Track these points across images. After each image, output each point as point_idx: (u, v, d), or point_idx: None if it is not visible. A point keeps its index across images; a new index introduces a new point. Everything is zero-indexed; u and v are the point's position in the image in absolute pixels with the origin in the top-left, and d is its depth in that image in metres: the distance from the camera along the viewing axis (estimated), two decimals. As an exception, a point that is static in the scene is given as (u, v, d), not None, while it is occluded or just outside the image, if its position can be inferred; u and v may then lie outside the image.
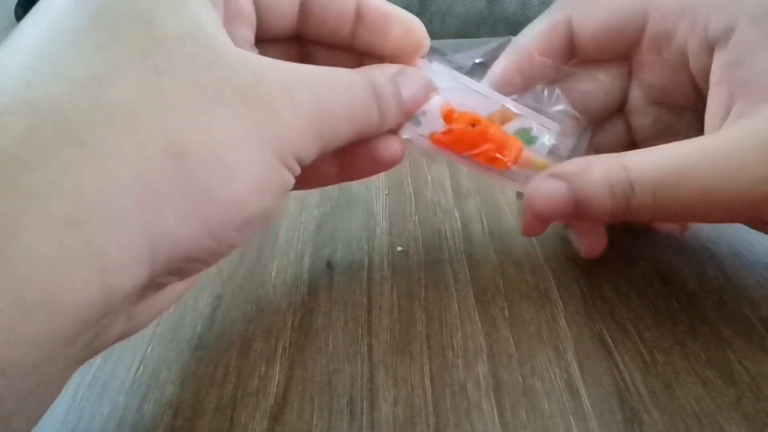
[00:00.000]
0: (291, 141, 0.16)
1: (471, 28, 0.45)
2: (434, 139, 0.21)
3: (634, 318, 0.22)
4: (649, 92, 0.24)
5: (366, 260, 0.26)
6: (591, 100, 0.25)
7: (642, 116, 0.25)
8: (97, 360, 0.21)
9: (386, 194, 0.30)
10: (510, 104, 0.22)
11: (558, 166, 0.21)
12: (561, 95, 0.23)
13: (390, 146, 0.21)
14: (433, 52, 0.22)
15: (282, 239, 0.27)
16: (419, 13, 0.32)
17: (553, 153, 0.22)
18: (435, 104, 0.21)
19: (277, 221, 0.28)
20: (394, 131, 0.21)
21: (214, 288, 0.24)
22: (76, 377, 0.20)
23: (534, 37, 0.24)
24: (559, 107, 0.23)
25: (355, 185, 0.31)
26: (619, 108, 0.26)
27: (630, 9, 0.23)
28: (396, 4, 0.21)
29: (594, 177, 0.19)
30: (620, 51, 0.24)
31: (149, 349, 0.21)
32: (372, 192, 0.31)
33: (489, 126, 0.21)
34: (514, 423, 0.19)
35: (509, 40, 0.24)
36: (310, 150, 0.17)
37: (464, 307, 0.23)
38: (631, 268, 0.25)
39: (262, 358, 0.21)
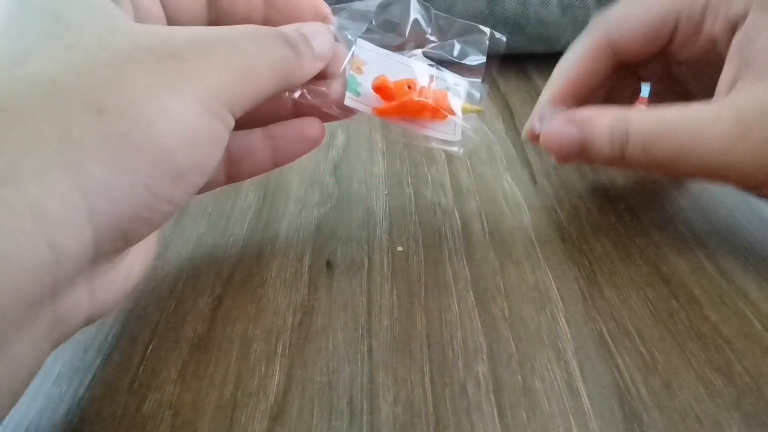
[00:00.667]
0: (217, 89, 0.16)
1: (471, 28, 0.45)
2: (378, 111, 0.23)
3: (634, 318, 0.22)
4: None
5: (366, 260, 0.26)
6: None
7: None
8: (97, 360, 0.21)
9: (386, 194, 0.30)
10: (430, 71, 0.25)
11: (574, 111, 0.23)
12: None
13: (313, 126, 0.23)
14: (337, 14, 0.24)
15: (282, 239, 0.27)
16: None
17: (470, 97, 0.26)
18: (368, 78, 0.23)
19: (277, 221, 0.28)
20: (330, 114, 0.23)
21: (214, 288, 0.24)
22: (76, 377, 0.20)
23: (578, 58, 0.27)
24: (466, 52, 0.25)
25: (355, 185, 0.31)
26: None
27: (662, 12, 0.25)
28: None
29: (600, 125, 0.22)
30: (658, 50, 0.26)
31: (149, 349, 0.21)
32: (372, 192, 0.31)
33: (423, 89, 0.24)
34: (514, 423, 0.19)
35: None
36: (240, 98, 0.17)
37: (464, 307, 0.23)
38: (632, 268, 0.25)
39: (262, 358, 0.21)
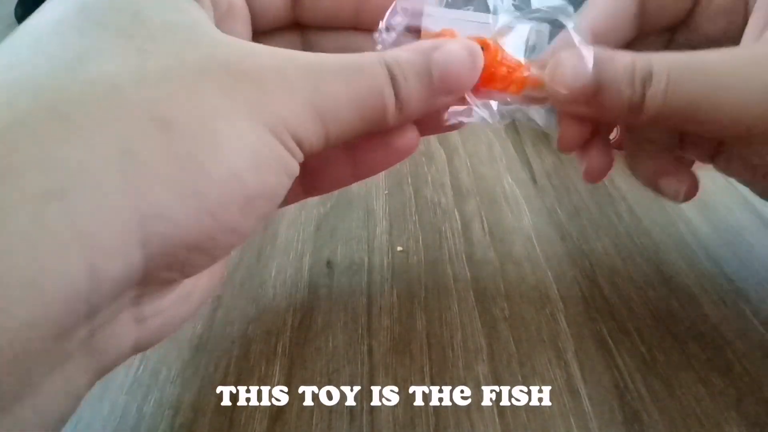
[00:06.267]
0: (285, 118, 0.15)
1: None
2: (483, 83, 0.19)
3: (634, 318, 0.22)
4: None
5: (366, 260, 0.26)
6: None
7: None
8: (97, 360, 0.21)
9: (386, 194, 0.30)
10: (503, 20, 0.20)
11: (589, 47, 0.20)
12: None
13: (403, 134, 0.19)
14: None
15: (282, 239, 0.27)
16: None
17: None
18: None
19: (277, 221, 0.28)
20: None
21: (214, 288, 0.24)
22: (76, 377, 0.20)
23: (605, 4, 0.23)
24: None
25: (355, 185, 0.31)
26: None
27: None
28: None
29: (621, 62, 0.19)
30: (686, 9, 0.24)
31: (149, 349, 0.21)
32: (372, 192, 0.31)
33: (496, 49, 0.19)
34: (514, 423, 0.19)
35: None
36: (311, 133, 0.15)
37: (464, 307, 0.23)
38: (631, 268, 0.25)
39: (262, 358, 0.21)
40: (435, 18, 0.20)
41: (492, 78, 0.19)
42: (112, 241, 0.11)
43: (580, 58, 0.19)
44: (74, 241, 0.11)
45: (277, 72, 0.15)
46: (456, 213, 0.29)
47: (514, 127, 0.37)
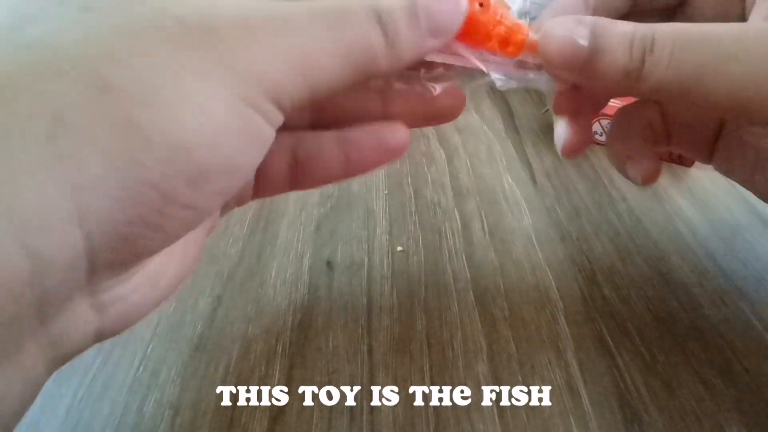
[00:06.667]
0: (258, 77, 0.13)
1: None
2: (460, 36, 0.18)
3: (634, 318, 0.22)
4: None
5: (366, 260, 0.26)
6: None
7: None
8: (97, 360, 0.21)
9: (386, 194, 0.30)
10: None
11: (584, 16, 0.19)
12: None
13: (396, 132, 0.19)
14: None
15: (282, 239, 0.27)
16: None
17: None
18: None
19: (277, 221, 0.28)
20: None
21: (214, 288, 0.24)
22: (76, 377, 0.20)
23: None
24: None
25: (355, 185, 0.31)
26: None
27: None
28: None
29: (619, 28, 0.18)
30: None
31: (149, 349, 0.21)
32: (372, 192, 0.31)
33: (497, 8, 0.18)
34: (514, 423, 0.19)
35: None
36: (291, 90, 0.14)
37: (464, 307, 0.23)
38: (631, 268, 0.25)
39: (262, 358, 0.21)
40: None
41: (488, 36, 0.18)
42: (45, 216, 0.11)
43: (575, 21, 0.18)
44: (3, 217, 0.10)
45: (244, 24, 0.13)
46: (456, 213, 0.29)
47: (514, 127, 0.37)
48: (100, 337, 0.14)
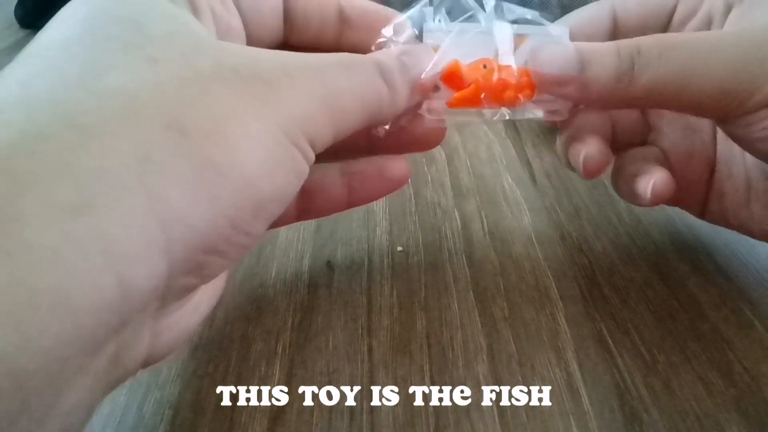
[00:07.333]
0: (299, 118, 0.15)
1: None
2: (450, 104, 0.20)
3: (634, 318, 0.22)
4: None
5: (366, 260, 0.26)
6: None
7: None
8: (97, 360, 0.21)
9: (386, 194, 0.30)
10: (513, 29, 0.21)
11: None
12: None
13: (396, 165, 0.21)
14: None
15: (282, 239, 0.27)
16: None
17: None
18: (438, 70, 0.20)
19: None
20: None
21: (214, 288, 0.24)
22: (76, 377, 0.20)
23: (579, 21, 0.24)
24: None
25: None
26: None
27: None
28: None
29: (605, 45, 0.20)
30: (656, 29, 0.24)
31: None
32: (372, 192, 0.31)
33: (503, 68, 0.20)
34: (514, 423, 0.19)
35: None
36: (322, 132, 0.16)
37: (464, 307, 0.23)
38: (631, 268, 0.25)
39: (262, 358, 0.21)
40: (434, 33, 0.21)
41: (477, 102, 0.20)
42: (138, 249, 0.11)
43: (561, 43, 0.20)
44: (102, 253, 0.11)
45: (284, 72, 0.15)
46: (456, 213, 0.29)
47: (514, 127, 0.37)
48: (147, 363, 0.15)
